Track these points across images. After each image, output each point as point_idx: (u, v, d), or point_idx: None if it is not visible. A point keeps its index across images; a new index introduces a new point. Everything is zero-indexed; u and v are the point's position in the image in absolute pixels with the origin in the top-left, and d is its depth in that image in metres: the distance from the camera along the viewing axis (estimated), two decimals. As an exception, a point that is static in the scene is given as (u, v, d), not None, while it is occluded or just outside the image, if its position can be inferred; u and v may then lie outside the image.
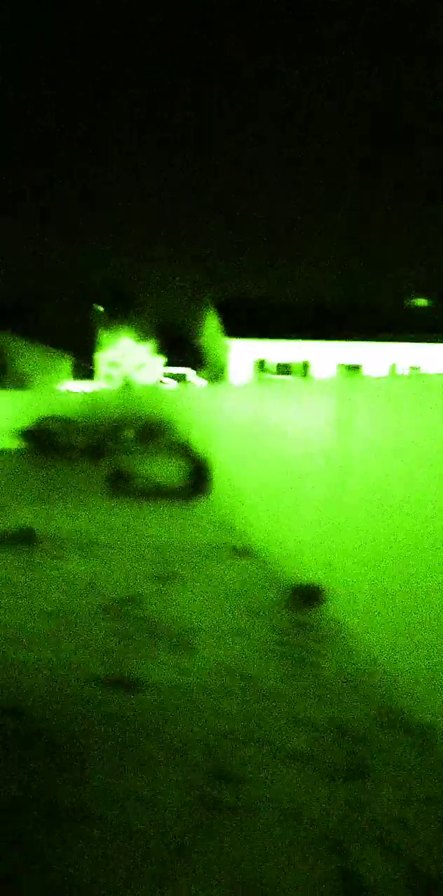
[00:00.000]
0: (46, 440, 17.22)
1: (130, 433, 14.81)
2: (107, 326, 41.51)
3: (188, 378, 42.22)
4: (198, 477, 11.46)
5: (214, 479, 10.85)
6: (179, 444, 12.65)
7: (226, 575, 6.60)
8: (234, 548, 7.71)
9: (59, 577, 6.33)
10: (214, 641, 4.83)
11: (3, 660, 4.44)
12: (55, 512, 9.67)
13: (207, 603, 5.71)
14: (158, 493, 11.23)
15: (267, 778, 3.15)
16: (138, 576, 6.45)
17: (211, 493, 10.96)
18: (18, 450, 17.80)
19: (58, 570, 6.60)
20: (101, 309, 41.29)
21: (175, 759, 3.30)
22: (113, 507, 10.25)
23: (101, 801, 2.96)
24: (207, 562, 7.08)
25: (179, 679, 4.19)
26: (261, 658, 4.57)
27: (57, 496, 11.11)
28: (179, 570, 6.71)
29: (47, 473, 14.11)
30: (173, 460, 11.72)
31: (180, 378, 42.88)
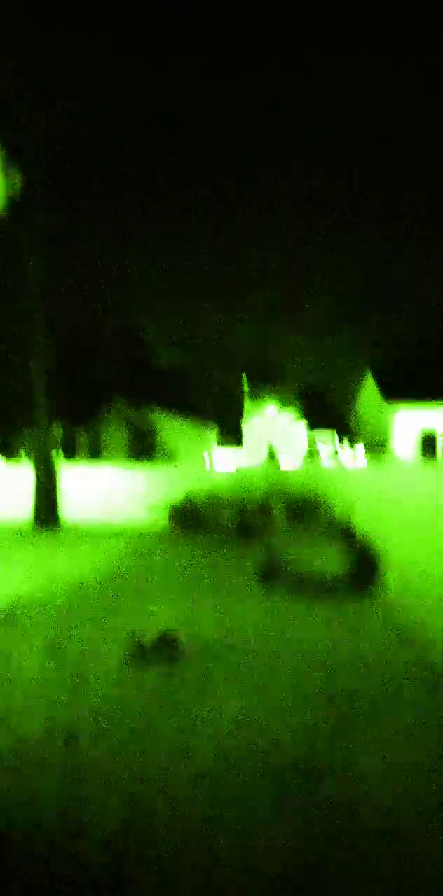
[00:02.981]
0: (193, 517, 16.35)
1: (280, 511, 13.44)
2: (252, 395, 41.32)
3: (336, 446, 40.26)
4: (364, 566, 9.59)
5: (385, 569, 8.92)
6: (339, 526, 10.92)
7: (435, 723, 4.67)
8: (433, 672, 5.73)
9: (205, 719, 4.84)
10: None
11: None
12: (202, 607, 8.36)
13: (422, 787, 3.84)
14: (318, 584, 9.50)
15: None
16: (314, 724, 4.74)
17: (382, 586, 9.01)
18: (166, 526, 17.14)
19: (204, 705, 5.13)
20: (246, 377, 41.28)
21: None
22: (266, 601, 8.71)
23: None
24: (402, 699, 5.19)
25: None
26: None
27: (204, 585, 9.85)
28: (368, 716, 4.90)
29: (194, 556, 13.04)
30: (334, 545, 10.00)
31: (322, 447, 41.02)
